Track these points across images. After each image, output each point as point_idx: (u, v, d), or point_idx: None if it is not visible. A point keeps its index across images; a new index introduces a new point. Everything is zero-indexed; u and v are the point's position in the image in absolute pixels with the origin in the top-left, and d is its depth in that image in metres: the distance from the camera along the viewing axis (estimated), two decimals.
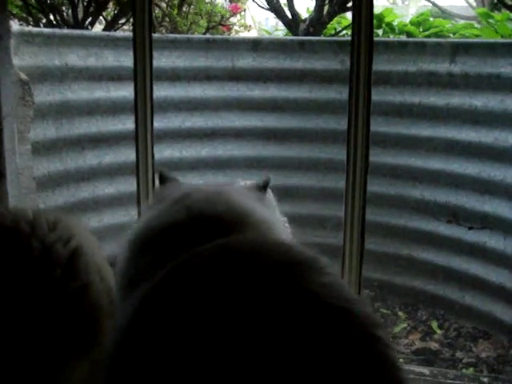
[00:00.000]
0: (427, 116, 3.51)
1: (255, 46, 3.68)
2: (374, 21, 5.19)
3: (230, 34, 5.55)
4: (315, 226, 3.75)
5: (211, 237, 0.98)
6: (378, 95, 3.60)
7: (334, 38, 3.63)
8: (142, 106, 2.18)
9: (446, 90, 3.44)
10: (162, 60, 3.57)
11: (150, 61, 2.19)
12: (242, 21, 5.89)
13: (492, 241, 3.30)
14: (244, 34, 5.82)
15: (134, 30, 2.15)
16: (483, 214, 3.34)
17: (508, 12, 4.37)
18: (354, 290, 2.14)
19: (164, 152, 3.64)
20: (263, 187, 1.44)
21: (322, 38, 3.64)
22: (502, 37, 4.45)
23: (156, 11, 4.87)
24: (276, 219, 1.40)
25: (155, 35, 3.64)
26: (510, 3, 4.09)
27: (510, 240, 3.23)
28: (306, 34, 4.37)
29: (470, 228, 3.37)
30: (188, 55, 3.62)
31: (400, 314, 3.59)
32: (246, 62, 3.68)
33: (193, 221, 1.08)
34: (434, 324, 3.48)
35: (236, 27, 5.73)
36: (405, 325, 3.48)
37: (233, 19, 5.54)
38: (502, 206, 3.30)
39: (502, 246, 3.26)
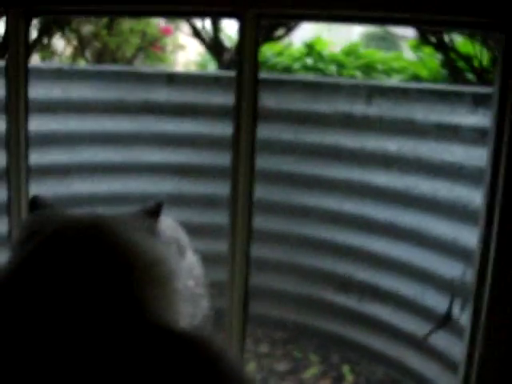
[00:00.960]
0: (344, 158, 3.46)
1: (170, 79, 3.57)
2: (305, 49, 5.19)
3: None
4: None
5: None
6: (295, 134, 3.54)
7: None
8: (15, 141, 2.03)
9: (362, 132, 3.40)
10: (71, 91, 3.43)
11: (25, 92, 2.04)
12: (177, 41, 5.77)
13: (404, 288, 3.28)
14: (178, 55, 5.71)
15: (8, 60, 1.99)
16: (394, 260, 3.31)
17: None
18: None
19: (72, 186, 3.50)
20: (154, 213, 1.18)
21: None
22: (430, 70, 4.45)
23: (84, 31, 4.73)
24: (168, 254, 1.13)
25: (66, 66, 3.50)
26: (433, 41, 4.07)
27: (420, 288, 3.20)
28: (229, 64, 4.27)
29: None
30: (99, 87, 3.49)
31: (312, 357, 3.52)
32: (160, 95, 3.56)
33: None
34: (346, 368, 3.43)
35: (170, 47, 5.61)
36: (315, 370, 3.42)
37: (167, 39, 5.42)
38: (412, 251, 3.27)
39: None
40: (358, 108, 3.39)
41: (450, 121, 3.14)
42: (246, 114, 2.04)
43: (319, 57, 4.95)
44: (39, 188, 3.40)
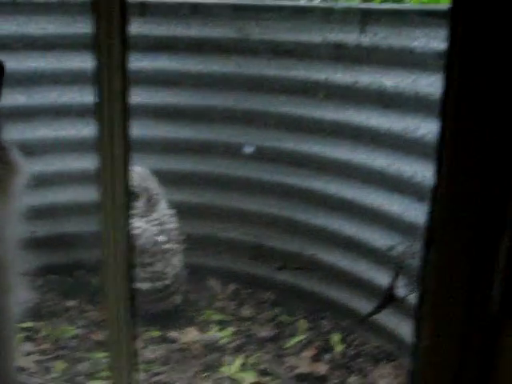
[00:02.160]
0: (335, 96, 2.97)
1: (142, 9, 3.16)
2: None
3: None
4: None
5: None
6: (282, 70, 3.07)
7: (230, 1, 3.09)
8: None
9: (355, 65, 2.89)
10: (30, 26, 3.09)
11: None
12: None
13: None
14: None
15: None
16: (391, 215, 2.83)
17: None
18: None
19: (37, 131, 3.20)
20: None
21: (217, 1, 3.11)
22: None
23: None
24: None
25: None
26: None
27: None
28: None
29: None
30: (62, 21, 3.13)
31: (301, 323, 3.12)
32: (132, 28, 3.15)
33: None
34: (336, 338, 3.01)
35: None
36: (301, 337, 3.02)
37: None
38: (412, 205, 2.78)
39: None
40: (352, 37, 2.88)
41: None
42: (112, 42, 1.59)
43: None
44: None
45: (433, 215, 1.29)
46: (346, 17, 2.89)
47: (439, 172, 1.23)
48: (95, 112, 1.25)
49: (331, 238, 3.08)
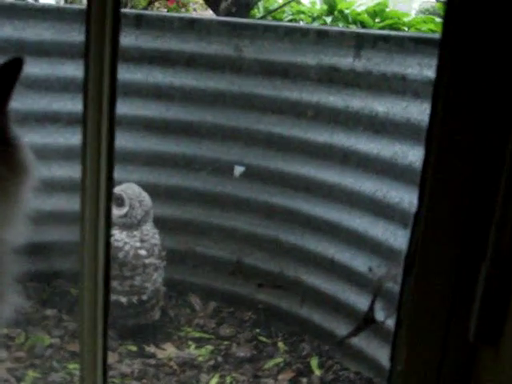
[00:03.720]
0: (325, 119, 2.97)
1: (138, 21, 3.16)
2: (325, 6, 4.67)
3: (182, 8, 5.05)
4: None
5: None
6: (275, 90, 3.08)
7: (229, 19, 3.10)
8: None
9: (348, 89, 2.90)
10: (26, 31, 3.09)
11: None
12: None
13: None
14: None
15: None
16: (375, 240, 2.82)
17: None
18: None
19: (25, 137, 3.17)
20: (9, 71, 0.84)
21: (215, 17, 3.12)
22: None
23: None
24: None
25: (21, 2, 3.15)
26: None
27: None
28: (227, 15, 3.82)
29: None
30: (59, 28, 3.13)
31: (280, 345, 3.09)
32: (127, 40, 3.17)
33: None
34: (314, 362, 2.99)
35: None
36: (279, 359, 2.99)
37: None
38: (397, 232, 2.78)
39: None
40: (346, 61, 2.89)
41: None
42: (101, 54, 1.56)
43: (341, 15, 4.43)
44: None
45: (413, 240, 1.28)
46: (342, 40, 2.91)
47: (422, 197, 1.22)
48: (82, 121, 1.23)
49: (314, 260, 3.06)
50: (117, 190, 3.03)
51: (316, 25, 4.45)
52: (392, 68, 2.77)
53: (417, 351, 1.42)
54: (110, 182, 1.48)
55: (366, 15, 4.54)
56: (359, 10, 4.56)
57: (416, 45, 2.72)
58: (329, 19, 4.43)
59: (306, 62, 2.98)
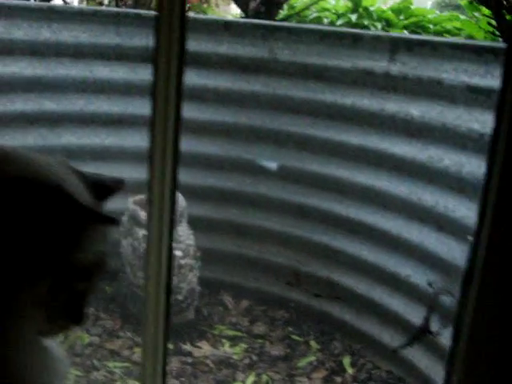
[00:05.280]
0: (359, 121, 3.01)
1: None
2: (350, 3, 4.68)
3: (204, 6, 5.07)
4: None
5: None
6: (309, 92, 3.11)
7: (263, 22, 3.13)
8: None
9: (383, 92, 2.93)
10: (63, 34, 3.13)
11: None
12: None
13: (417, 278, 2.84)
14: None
15: None
16: (409, 242, 2.86)
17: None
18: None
19: (61, 138, 3.23)
20: (104, 191, 0.85)
21: (250, 20, 3.15)
22: (486, 33, 3.89)
23: None
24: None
25: (59, 5, 3.19)
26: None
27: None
28: (256, 14, 3.85)
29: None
30: (95, 30, 3.17)
31: (312, 343, 3.15)
32: None
33: None
34: (347, 360, 3.04)
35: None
36: (312, 358, 3.04)
37: None
38: (431, 234, 2.82)
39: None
40: (380, 65, 2.92)
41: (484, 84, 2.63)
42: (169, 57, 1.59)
43: (366, 13, 4.45)
44: (25, 137, 3.17)
45: (475, 254, 1.32)
46: (376, 44, 2.94)
47: (483, 210, 1.26)
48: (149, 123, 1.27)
49: (346, 260, 3.11)
50: None
51: (340, 22, 4.48)
52: (428, 73, 2.80)
53: (474, 366, 1.46)
54: (174, 184, 1.53)
55: (390, 12, 4.57)
56: (384, 7, 4.59)
57: (452, 50, 2.75)
58: (354, 17, 4.45)
59: (340, 65, 3.01)
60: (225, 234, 3.32)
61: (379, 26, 4.45)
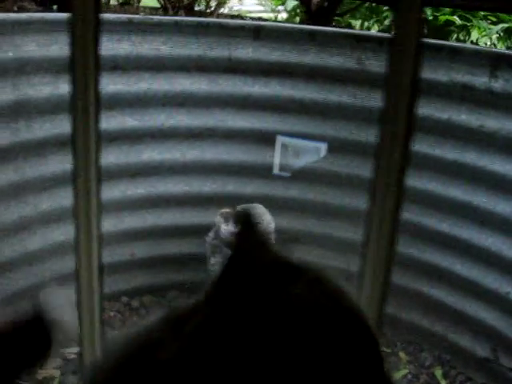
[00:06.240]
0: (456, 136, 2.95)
1: (256, 33, 3.06)
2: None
3: None
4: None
5: None
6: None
7: (352, 31, 3.02)
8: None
9: (482, 108, 2.87)
10: (144, 46, 2.97)
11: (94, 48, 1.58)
12: None
13: None
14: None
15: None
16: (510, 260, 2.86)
17: None
18: None
19: (142, 154, 3.12)
20: None
21: (337, 29, 3.03)
22: None
23: None
24: None
25: (138, 16, 3.02)
26: None
27: None
28: (318, 9, 3.70)
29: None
30: (176, 41, 3.02)
31: (401, 354, 3.17)
32: (244, 52, 3.07)
33: None
34: (439, 372, 3.07)
35: None
36: (405, 371, 3.07)
37: None
38: None
39: None
40: (481, 80, 2.85)
41: None
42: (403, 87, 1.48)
43: None
44: (106, 156, 3.04)
45: None
46: (476, 59, 2.85)
47: None
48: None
49: (437, 273, 3.10)
50: (240, 207, 3.02)
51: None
52: None
53: None
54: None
55: None
56: None
57: None
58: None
59: (436, 79, 2.92)
60: (304, 244, 3.27)
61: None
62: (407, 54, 1.45)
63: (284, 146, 3.16)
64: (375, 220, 1.52)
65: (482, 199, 2.93)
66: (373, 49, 3.01)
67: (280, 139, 3.15)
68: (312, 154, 3.18)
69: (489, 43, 4.51)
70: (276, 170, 3.21)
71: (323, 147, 3.15)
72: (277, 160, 3.19)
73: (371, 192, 1.50)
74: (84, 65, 1.53)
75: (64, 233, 2.99)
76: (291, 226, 3.25)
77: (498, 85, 2.82)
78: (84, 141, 1.58)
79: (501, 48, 4.23)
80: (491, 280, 2.94)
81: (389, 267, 1.56)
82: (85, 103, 1.55)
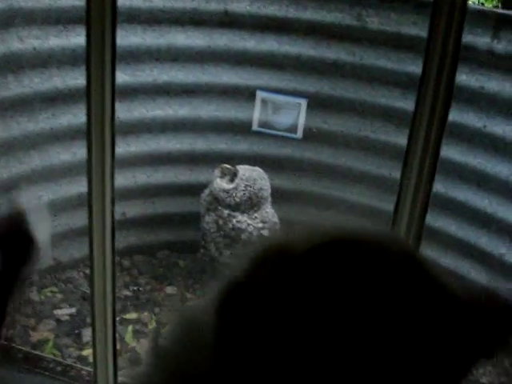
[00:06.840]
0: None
1: None
2: None
3: None
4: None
5: None
6: (399, 64, 2.98)
7: None
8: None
9: (482, 69, 2.83)
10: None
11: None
12: None
13: None
14: None
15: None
16: None
17: None
18: None
19: (134, 111, 3.02)
20: None
21: None
22: None
23: None
24: None
25: None
26: None
27: None
28: None
29: None
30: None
31: None
32: (240, 6, 2.97)
33: None
34: None
35: None
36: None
37: None
38: None
39: None
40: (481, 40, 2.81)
41: None
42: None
43: None
44: None
45: None
46: (478, 19, 2.80)
47: None
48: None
49: (435, 234, 3.07)
50: (240, 167, 2.98)
51: None
52: None
53: None
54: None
55: None
56: None
57: None
58: None
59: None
60: (305, 205, 3.23)
61: None
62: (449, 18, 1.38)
63: (264, 102, 3.08)
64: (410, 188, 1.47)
65: (479, 161, 2.92)
66: (374, 5, 2.94)
67: (260, 95, 3.07)
68: (293, 110, 3.10)
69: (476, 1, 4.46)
70: (255, 126, 3.13)
71: (303, 103, 3.08)
72: (256, 115, 3.11)
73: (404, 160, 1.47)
74: (100, 18, 1.48)
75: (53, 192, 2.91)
76: (284, 185, 3.21)
77: (500, 46, 2.78)
78: (100, 93, 1.53)
79: (488, 7, 4.17)
80: (486, 241, 2.95)
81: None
82: (101, 56, 1.51)
